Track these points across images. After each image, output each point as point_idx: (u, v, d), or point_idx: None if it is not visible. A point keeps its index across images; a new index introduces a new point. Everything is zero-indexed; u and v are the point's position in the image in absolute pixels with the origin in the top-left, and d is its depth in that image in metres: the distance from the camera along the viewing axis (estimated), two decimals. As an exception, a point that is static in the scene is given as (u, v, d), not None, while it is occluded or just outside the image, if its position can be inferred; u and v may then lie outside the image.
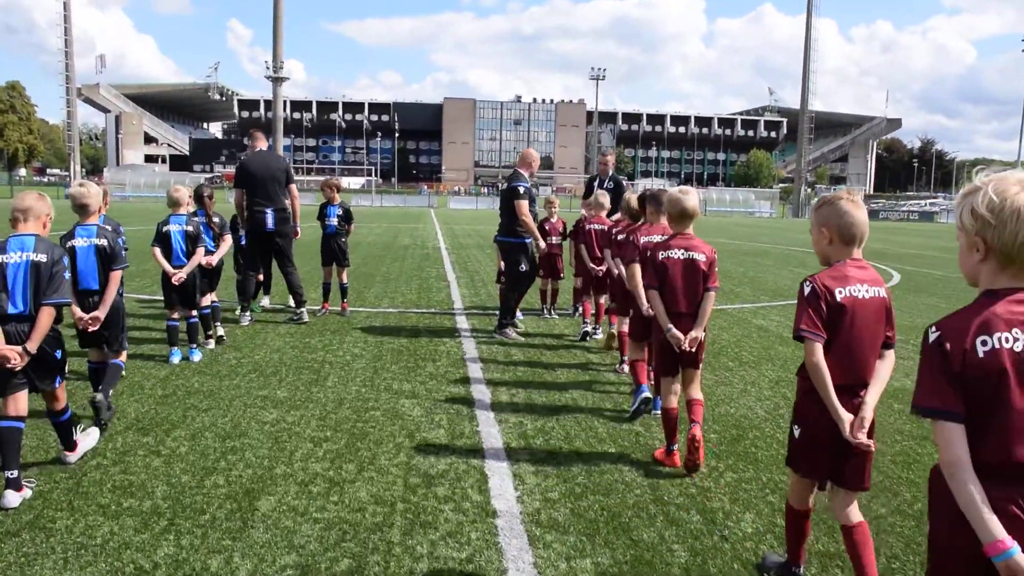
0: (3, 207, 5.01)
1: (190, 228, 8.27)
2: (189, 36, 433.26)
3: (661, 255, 5.56)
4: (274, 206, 10.35)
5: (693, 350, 5.46)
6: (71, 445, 5.28)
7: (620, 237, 7.89)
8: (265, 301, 11.65)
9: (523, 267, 9.97)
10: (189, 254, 8.26)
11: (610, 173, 12.27)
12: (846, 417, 3.49)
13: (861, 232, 3.64)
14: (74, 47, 79.24)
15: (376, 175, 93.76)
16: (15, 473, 4.66)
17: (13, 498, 4.58)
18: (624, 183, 13.07)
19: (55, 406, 5.11)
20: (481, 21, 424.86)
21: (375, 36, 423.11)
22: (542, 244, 10.21)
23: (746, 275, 18.36)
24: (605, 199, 10.16)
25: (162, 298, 8.68)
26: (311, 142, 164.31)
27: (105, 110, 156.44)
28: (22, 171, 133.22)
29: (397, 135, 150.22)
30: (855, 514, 3.67)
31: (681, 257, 5.52)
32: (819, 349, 3.54)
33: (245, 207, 10.33)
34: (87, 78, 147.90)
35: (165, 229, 8.24)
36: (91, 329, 5.92)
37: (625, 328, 7.72)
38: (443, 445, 5.82)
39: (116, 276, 5.98)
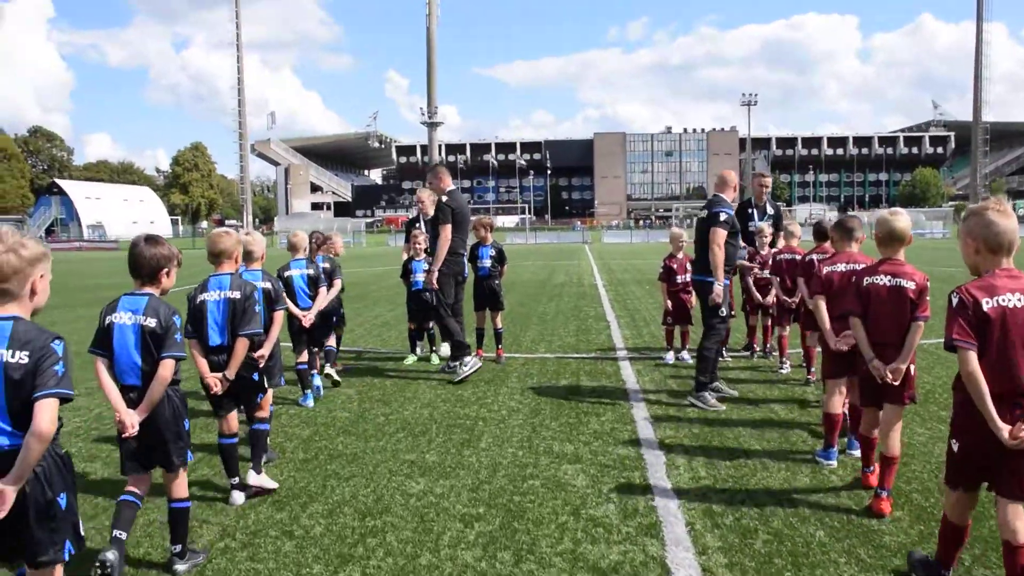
0: (192, 256, 4.76)
1: (311, 271, 8.61)
2: (351, 89, 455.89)
3: (866, 281, 5.19)
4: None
5: (896, 382, 5.03)
6: (257, 467, 5.65)
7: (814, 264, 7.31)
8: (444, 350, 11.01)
9: (723, 311, 8.19)
10: (312, 297, 8.59)
11: (766, 197, 11.15)
12: (1003, 426, 3.53)
13: (1009, 241, 3.72)
14: (249, 107, 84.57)
15: (530, 213, 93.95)
16: (237, 480, 5.54)
17: (238, 498, 5.48)
18: (781, 208, 11.86)
19: (259, 414, 5.74)
20: (628, 56, 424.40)
21: (523, 78, 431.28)
22: (718, 289, 7.99)
23: (942, 305, 16.48)
24: (795, 227, 9.19)
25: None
26: (465, 183, 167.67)
27: (275, 163, 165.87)
28: (203, 224, 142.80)
29: (549, 172, 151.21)
30: (1023, 532, 3.61)
31: (887, 283, 5.14)
32: (973, 358, 3.62)
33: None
34: (260, 135, 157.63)
35: (287, 274, 8.48)
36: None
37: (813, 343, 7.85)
38: (613, 526, 4.91)
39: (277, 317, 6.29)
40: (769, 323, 10.46)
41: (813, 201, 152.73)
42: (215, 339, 5.26)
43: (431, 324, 10.76)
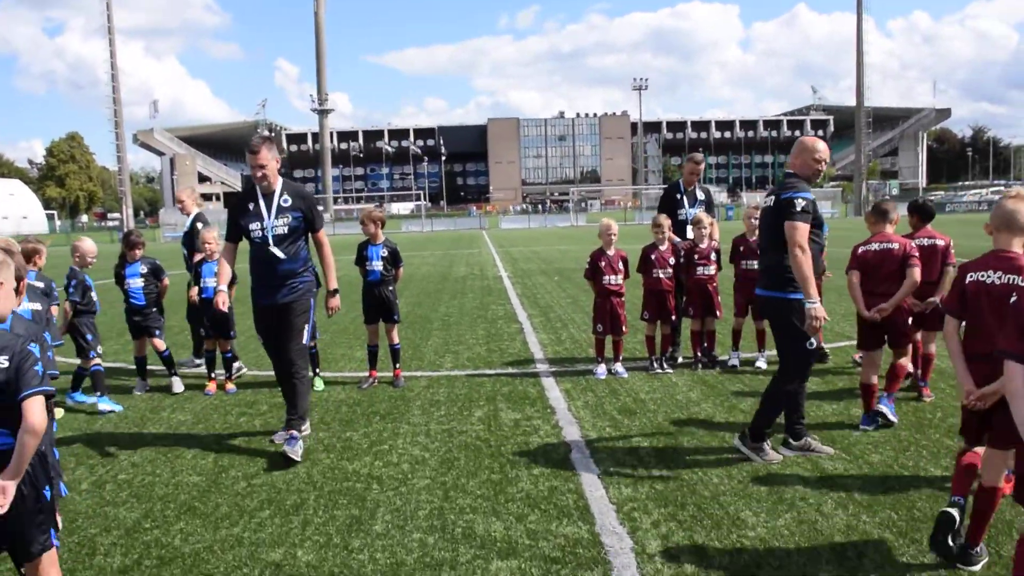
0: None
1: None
2: (240, 78, 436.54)
3: (969, 278, 4.24)
4: None
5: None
6: None
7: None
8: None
9: (813, 341, 5.81)
10: None
11: (696, 182, 9.83)
12: (967, 384, 4.06)
13: (1016, 223, 4.15)
14: (132, 96, 79.45)
15: (425, 199, 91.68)
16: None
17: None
18: (711, 191, 10.44)
19: None
20: (519, 43, 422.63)
21: (417, 65, 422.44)
22: (816, 309, 5.51)
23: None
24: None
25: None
26: (359, 171, 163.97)
27: (160, 153, 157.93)
28: (84, 217, 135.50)
29: (444, 158, 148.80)
30: (993, 476, 4.06)
31: (998, 282, 4.09)
32: (950, 322, 4.30)
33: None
34: (143, 124, 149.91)
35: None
36: None
37: (932, 349, 7.59)
38: None
39: None
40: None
41: (703, 182, 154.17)
42: None
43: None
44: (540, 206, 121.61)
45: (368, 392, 8.43)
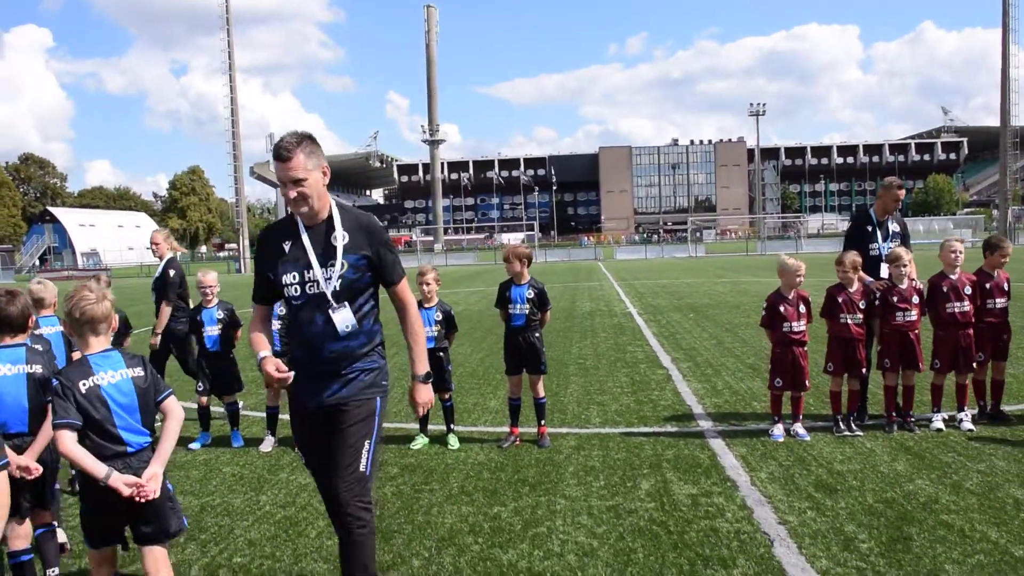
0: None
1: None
2: (351, 110, 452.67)
3: None
4: None
5: None
6: None
7: None
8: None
9: None
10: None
11: (894, 212, 8.46)
12: None
13: None
14: (250, 130, 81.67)
15: (536, 230, 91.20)
16: None
17: None
18: (906, 223, 8.98)
19: None
20: (628, 71, 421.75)
21: (526, 95, 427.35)
22: None
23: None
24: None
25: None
26: (469, 201, 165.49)
27: (275, 185, 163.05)
28: (203, 248, 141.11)
29: (554, 188, 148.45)
30: None
31: None
32: None
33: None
34: (260, 157, 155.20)
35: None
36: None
37: None
38: None
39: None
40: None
41: (825, 211, 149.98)
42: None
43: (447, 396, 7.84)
44: (654, 235, 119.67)
45: (511, 453, 7.38)
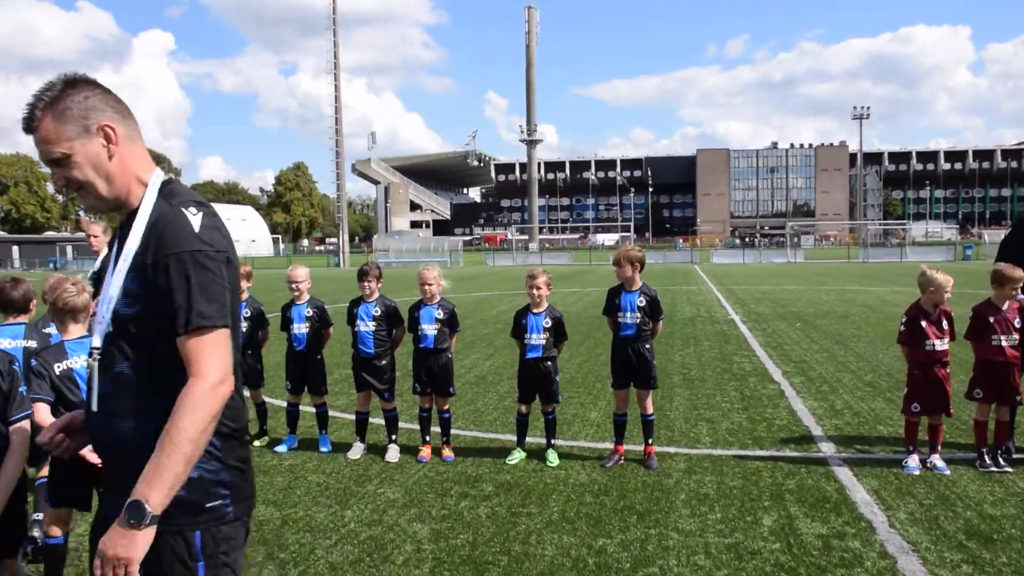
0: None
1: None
2: (451, 110, 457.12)
3: None
4: None
5: None
6: None
7: None
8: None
9: None
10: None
11: None
12: None
13: None
14: (353, 128, 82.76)
15: (632, 232, 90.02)
16: None
17: None
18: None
19: None
20: (728, 73, 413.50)
21: (623, 96, 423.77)
22: None
23: None
24: None
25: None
26: (564, 201, 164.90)
27: (375, 182, 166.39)
28: (304, 242, 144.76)
29: (650, 189, 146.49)
30: None
31: None
32: None
33: None
34: (361, 155, 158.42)
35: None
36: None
37: None
38: None
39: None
40: None
41: (930, 218, 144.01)
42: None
43: (550, 408, 7.29)
44: (750, 239, 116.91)
45: (615, 474, 6.78)
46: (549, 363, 7.16)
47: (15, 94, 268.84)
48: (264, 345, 8.23)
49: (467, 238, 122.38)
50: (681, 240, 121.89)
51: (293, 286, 7.69)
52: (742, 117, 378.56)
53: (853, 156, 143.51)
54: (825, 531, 5.42)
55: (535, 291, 7.16)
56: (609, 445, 7.62)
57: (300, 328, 7.65)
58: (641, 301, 7.00)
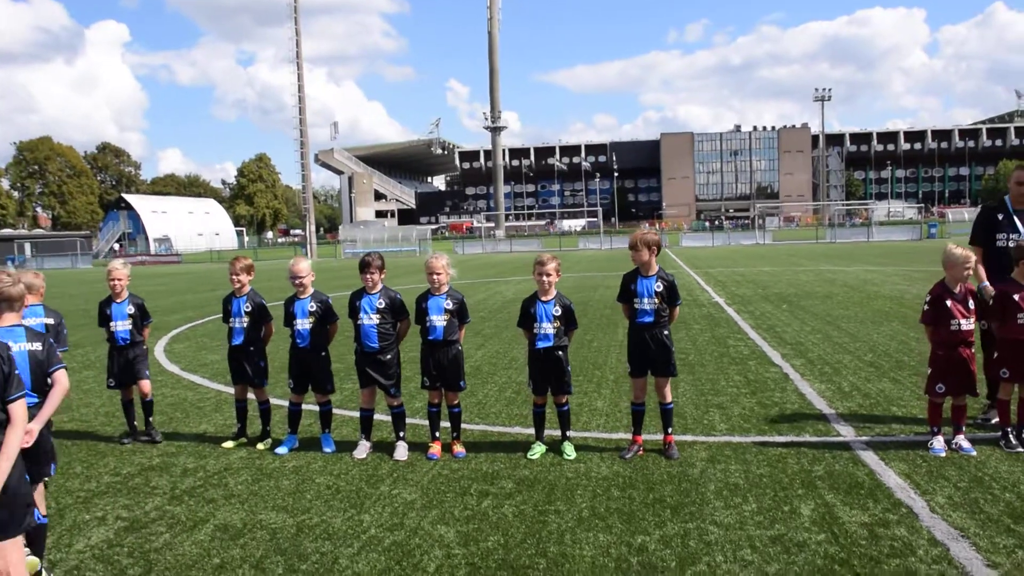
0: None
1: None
2: (413, 98, 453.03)
3: None
4: None
5: None
6: None
7: None
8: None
9: None
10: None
11: None
12: None
13: None
14: (315, 119, 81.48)
15: (600, 217, 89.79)
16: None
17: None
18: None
19: None
20: (688, 57, 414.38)
21: (585, 82, 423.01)
22: None
23: None
24: None
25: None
26: (530, 187, 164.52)
27: (339, 172, 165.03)
28: (269, 233, 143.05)
29: (616, 174, 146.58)
30: None
31: None
32: None
33: None
34: (324, 145, 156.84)
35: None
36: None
37: None
38: None
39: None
40: None
41: (891, 198, 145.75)
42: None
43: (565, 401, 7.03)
44: (716, 222, 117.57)
45: (637, 465, 6.54)
46: (560, 352, 6.88)
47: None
48: (268, 341, 7.85)
49: (434, 227, 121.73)
50: (647, 224, 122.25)
51: (296, 281, 7.31)
52: (703, 101, 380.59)
53: (815, 138, 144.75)
54: (867, 519, 5.22)
55: (545, 278, 6.86)
56: (623, 435, 7.40)
57: (304, 324, 7.28)
58: (658, 286, 6.73)
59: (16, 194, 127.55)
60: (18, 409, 3.81)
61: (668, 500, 5.70)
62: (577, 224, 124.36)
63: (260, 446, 7.49)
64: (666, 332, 6.82)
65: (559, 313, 6.85)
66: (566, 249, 62.80)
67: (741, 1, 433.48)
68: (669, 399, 6.88)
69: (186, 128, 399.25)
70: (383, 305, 6.99)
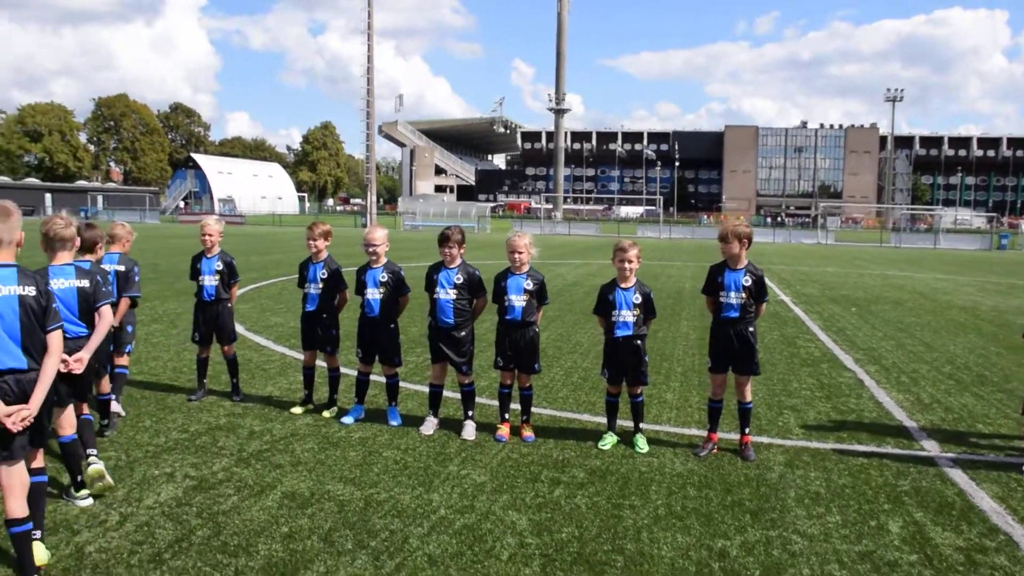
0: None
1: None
2: (478, 76, 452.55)
3: None
4: None
5: None
6: None
7: None
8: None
9: None
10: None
11: None
12: None
13: None
14: (381, 91, 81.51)
15: (660, 206, 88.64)
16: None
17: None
18: None
19: None
20: (756, 50, 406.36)
21: (650, 69, 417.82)
22: None
23: None
24: None
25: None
26: (590, 172, 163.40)
27: (401, 144, 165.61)
28: (330, 201, 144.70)
29: (677, 164, 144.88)
30: None
31: None
32: None
33: None
34: (388, 117, 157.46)
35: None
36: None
37: None
38: None
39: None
40: None
41: (960, 205, 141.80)
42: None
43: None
44: (776, 218, 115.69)
45: (712, 464, 6.32)
46: (639, 342, 6.68)
47: (51, 44, 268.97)
48: (342, 308, 7.76)
49: (492, 204, 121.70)
50: (706, 216, 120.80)
51: (370, 249, 7.17)
52: (768, 95, 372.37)
53: (883, 139, 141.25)
54: (962, 543, 4.95)
55: (626, 264, 6.64)
56: (695, 431, 7.19)
57: (374, 294, 7.17)
58: (747, 280, 6.48)
59: (92, 148, 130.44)
60: (55, 339, 4.15)
61: (747, 504, 5.48)
62: (634, 211, 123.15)
63: (326, 414, 7.43)
64: (751, 329, 6.57)
65: (639, 301, 6.63)
66: (624, 236, 62.21)
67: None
68: (749, 398, 6.64)
69: (255, 92, 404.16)
70: (460, 280, 6.84)
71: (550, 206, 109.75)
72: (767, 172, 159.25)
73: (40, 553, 4.23)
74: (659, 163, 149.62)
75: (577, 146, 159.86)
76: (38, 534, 4.28)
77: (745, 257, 6.59)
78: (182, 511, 5.11)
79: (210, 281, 7.86)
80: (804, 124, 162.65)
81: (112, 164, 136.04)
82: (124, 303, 7.07)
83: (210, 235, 7.90)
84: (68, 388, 5.05)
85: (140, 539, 4.69)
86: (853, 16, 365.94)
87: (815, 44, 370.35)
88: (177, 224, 68.70)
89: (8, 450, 4.02)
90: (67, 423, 5.17)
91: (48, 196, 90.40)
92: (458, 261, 6.92)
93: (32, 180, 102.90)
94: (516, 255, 6.78)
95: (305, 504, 5.27)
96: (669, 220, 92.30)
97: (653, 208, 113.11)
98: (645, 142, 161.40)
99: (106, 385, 6.50)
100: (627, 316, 6.61)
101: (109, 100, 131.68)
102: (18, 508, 4.05)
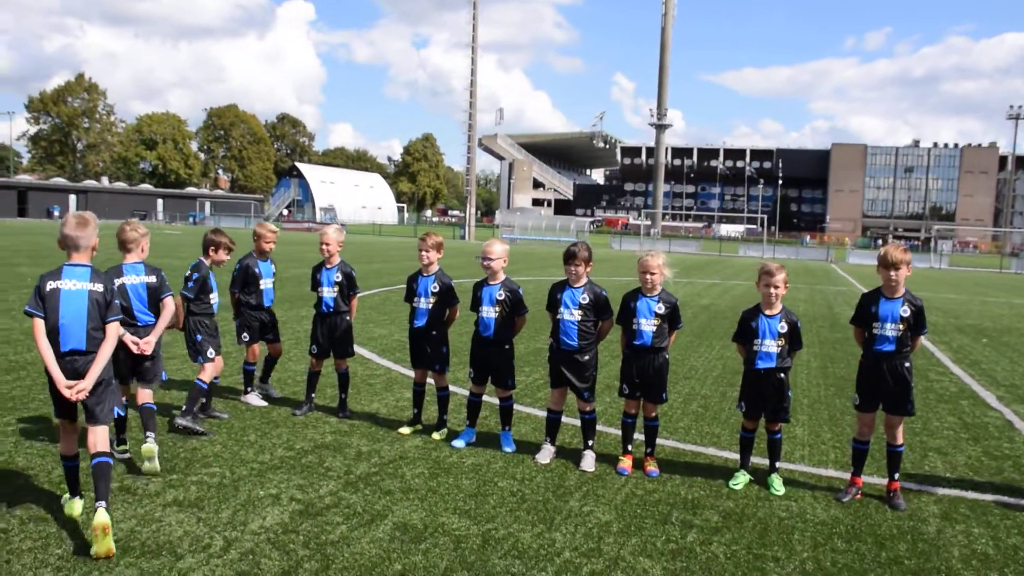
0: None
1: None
2: (579, 90, 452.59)
3: None
4: None
5: None
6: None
7: None
8: None
9: None
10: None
11: None
12: None
13: None
14: (481, 104, 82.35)
15: (763, 225, 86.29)
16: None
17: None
18: None
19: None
20: (865, 66, 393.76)
21: (753, 85, 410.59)
22: None
23: None
24: None
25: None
26: (689, 188, 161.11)
27: (500, 157, 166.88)
28: (428, 212, 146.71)
29: (780, 182, 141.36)
30: None
31: None
32: None
33: None
34: (488, 130, 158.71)
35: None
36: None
37: None
38: None
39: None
40: None
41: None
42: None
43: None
44: (883, 240, 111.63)
45: (856, 512, 5.72)
46: (783, 375, 6.14)
47: (169, 57, 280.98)
48: (451, 324, 7.42)
49: (589, 219, 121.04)
50: (808, 237, 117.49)
51: (486, 263, 6.82)
52: (877, 113, 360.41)
53: (1002, 159, 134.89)
54: None
55: (771, 290, 6.14)
56: (833, 472, 6.60)
57: (488, 312, 6.79)
58: (905, 311, 5.91)
59: (202, 156, 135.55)
60: (112, 329, 4.87)
61: (906, 563, 4.89)
62: (735, 229, 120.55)
63: (436, 436, 7.10)
64: (907, 364, 5.98)
65: (785, 330, 6.11)
66: (726, 255, 60.83)
67: (929, 8, 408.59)
68: (900, 441, 6.03)
69: (358, 104, 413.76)
70: (587, 301, 6.42)
71: (648, 222, 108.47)
72: (874, 192, 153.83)
73: (101, 516, 4.51)
74: (761, 181, 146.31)
75: (677, 162, 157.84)
76: (103, 503, 4.58)
77: (903, 285, 5.99)
78: (288, 539, 4.83)
79: (329, 293, 7.65)
80: (916, 143, 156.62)
81: (220, 171, 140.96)
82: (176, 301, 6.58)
83: (328, 244, 7.68)
84: (132, 370, 6.03)
85: (245, 569, 4.40)
86: (971, 31, 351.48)
87: (929, 60, 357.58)
88: (281, 231, 70.29)
89: (93, 417, 4.86)
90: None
91: (160, 201, 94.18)
92: (583, 280, 6.50)
93: (146, 186, 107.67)
94: (648, 276, 6.32)
95: (418, 538, 4.92)
96: (772, 240, 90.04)
97: (753, 227, 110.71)
98: (748, 159, 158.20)
99: (142, 396, 6.10)
100: (771, 346, 6.09)
101: (220, 110, 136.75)
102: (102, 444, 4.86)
